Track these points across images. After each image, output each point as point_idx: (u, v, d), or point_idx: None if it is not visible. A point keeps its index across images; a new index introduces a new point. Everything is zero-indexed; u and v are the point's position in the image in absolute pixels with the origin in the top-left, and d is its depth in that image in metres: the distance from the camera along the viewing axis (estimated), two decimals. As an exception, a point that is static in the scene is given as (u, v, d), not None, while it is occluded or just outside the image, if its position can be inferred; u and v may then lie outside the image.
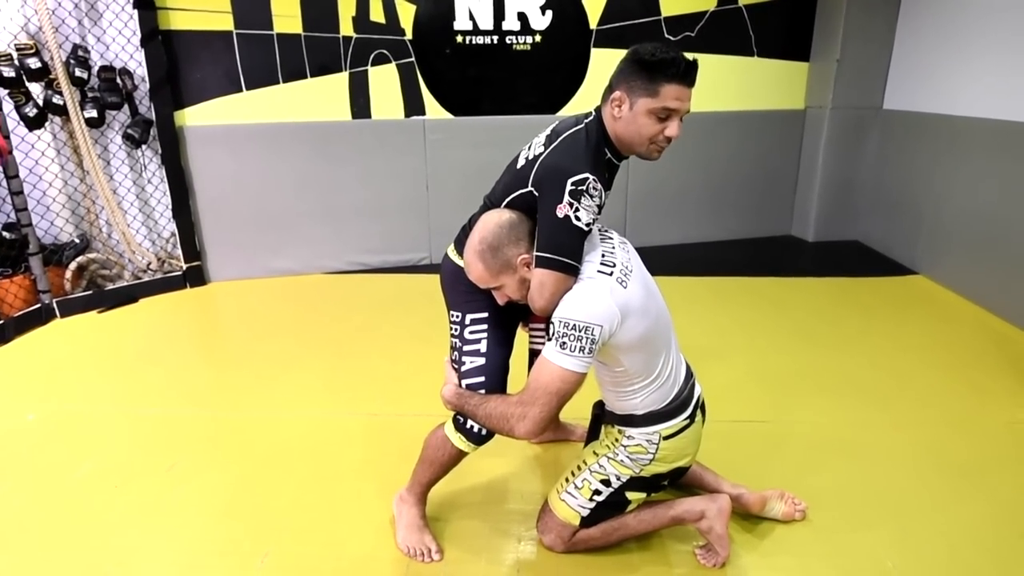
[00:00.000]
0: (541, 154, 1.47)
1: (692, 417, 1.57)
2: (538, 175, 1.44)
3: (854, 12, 3.97)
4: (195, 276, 3.79)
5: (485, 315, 1.61)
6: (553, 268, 1.38)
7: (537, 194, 1.43)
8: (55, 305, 3.37)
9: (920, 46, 3.80)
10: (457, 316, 1.66)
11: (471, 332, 1.61)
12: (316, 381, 2.66)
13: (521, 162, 1.54)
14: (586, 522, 1.59)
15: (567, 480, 1.62)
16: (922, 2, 3.77)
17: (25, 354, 3.06)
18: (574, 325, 1.34)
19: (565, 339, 1.35)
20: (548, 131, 1.56)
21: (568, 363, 1.36)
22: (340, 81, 3.78)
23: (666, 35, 4.05)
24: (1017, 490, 1.88)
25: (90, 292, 3.50)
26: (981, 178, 3.26)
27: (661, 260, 4.08)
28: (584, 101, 4.04)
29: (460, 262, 1.61)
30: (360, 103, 3.84)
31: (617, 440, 1.58)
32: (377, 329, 3.15)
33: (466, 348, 1.61)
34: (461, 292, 1.62)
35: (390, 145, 3.93)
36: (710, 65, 4.49)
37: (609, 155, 1.51)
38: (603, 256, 1.44)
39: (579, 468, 1.61)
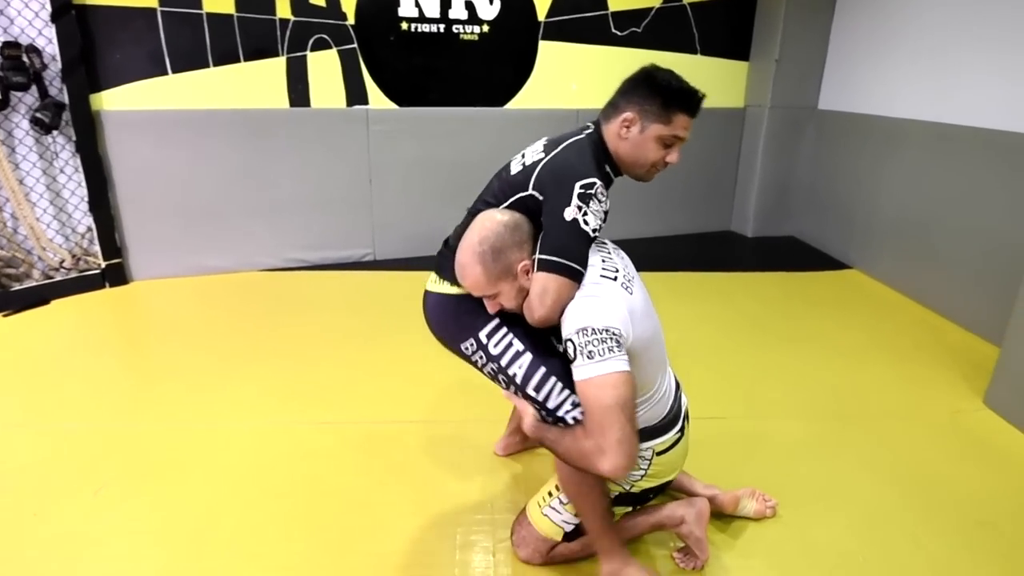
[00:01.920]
0: (542, 159, 1.39)
1: (682, 430, 1.53)
2: (542, 178, 1.36)
3: (793, 12, 4.08)
4: (115, 275, 3.49)
5: (496, 321, 1.46)
6: (558, 272, 1.28)
7: (541, 197, 1.35)
8: (-49, 308, 3.01)
9: (854, 48, 3.95)
10: (471, 345, 1.49)
11: (496, 344, 1.46)
12: (257, 389, 2.47)
13: (516, 169, 1.45)
14: (568, 537, 1.52)
15: (550, 495, 1.55)
16: (857, 5, 3.91)
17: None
18: (594, 330, 1.23)
19: (591, 347, 1.22)
20: (544, 141, 1.49)
21: (608, 367, 1.21)
22: (277, 66, 3.55)
23: (613, 30, 4.04)
24: (969, 478, 1.95)
25: (-8, 293, 3.15)
26: (912, 177, 3.41)
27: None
28: (531, 95, 3.97)
29: (449, 290, 1.49)
30: (298, 90, 3.63)
31: None
32: (321, 330, 2.97)
33: (504, 361, 1.45)
34: (462, 319, 1.48)
35: (331, 135, 3.73)
36: (655, 61, 4.52)
37: (608, 169, 1.45)
38: (603, 262, 1.37)
39: None
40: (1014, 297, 2.27)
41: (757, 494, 1.77)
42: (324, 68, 3.64)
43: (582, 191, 1.30)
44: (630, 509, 1.56)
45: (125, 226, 3.49)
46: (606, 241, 1.50)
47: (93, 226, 3.39)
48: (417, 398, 2.38)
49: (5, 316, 3.11)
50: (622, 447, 1.19)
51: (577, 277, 1.30)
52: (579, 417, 1.35)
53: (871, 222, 3.74)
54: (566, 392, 1.38)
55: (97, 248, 3.43)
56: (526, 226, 1.37)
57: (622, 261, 1.43)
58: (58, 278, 3.37)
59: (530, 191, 1.37)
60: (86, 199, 3.36)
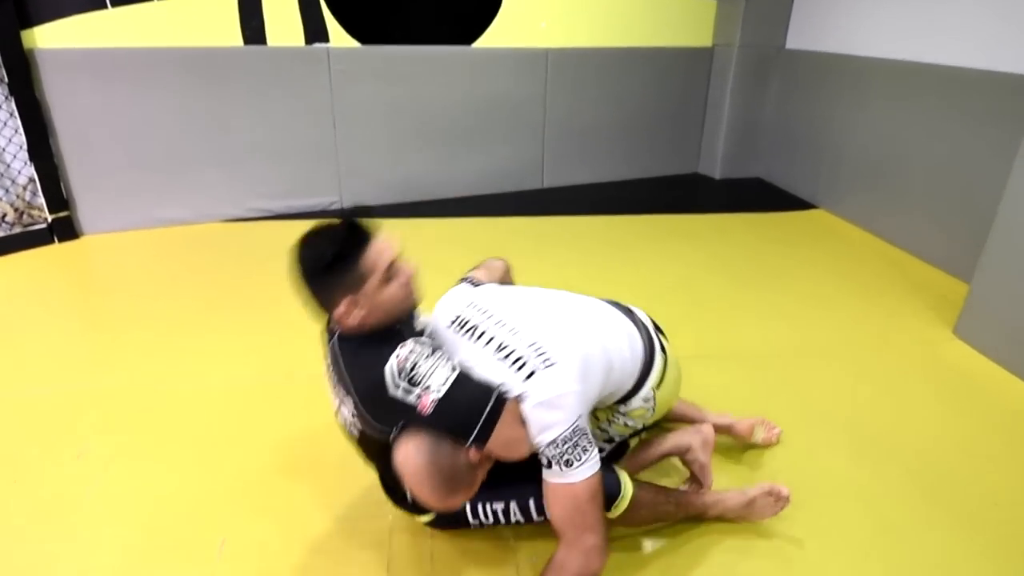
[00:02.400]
0: (355, 403, 1.25)
1: (663, 348, 1.53)
2: (372, 413, 1.22)
3: (762, -52, 4.01)
4: (64, 229, 3.26)
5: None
6: (483, 437, 1.17)
7: (392, 428, 1.18)
8: None
9: (823, -15, 3.92)
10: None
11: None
12: (224, 340, 2.38)
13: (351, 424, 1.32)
14: None
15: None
16: (826, -59, 3.87)
17: None
18: (564, 438, 1.18)
19: (565, 455, 1.18)
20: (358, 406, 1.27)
21: (581, 473, 1.19)
22: None
23: (582, -37, 3.89)
24: (945, 403, 2.05)
25: (-71, 252, 2.91)
26: (879, 116, 3.46)
27: (578, 200, 4.09)
28: (499, 33, 3.82)
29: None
30: (253, 26, 3.38)
31: (610, 416, 1.50)
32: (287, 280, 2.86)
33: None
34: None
35: (290, 76, 3.52)
36: (622, 0, 4.45)
37: (394, 334, 1.28)
38: (500, 351, 1.25)
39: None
40: (981, 233, 2.35)
41: (765, 422, 1.83)
42: (279, 1, 3.40)
43: (404, 383, 1.17)
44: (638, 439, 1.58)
45: (71, 176, 3.25)
46: (470, 320, 1.37)
47: (35, 176, 3.14)
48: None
49: (-55, 276, 2.89)
50: (603, 543, 1.23)
51: (500, 407, 1.18)
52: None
53: (839, 162, 3.80)
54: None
55: (41, 200, 3.19)
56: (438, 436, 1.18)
57: (503, 329, 1.29)
58: (1, 234, 3.13)
59: (385, 429, 1.20)
60: (25, 147, 3.10)
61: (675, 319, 2.59)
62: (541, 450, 1.20)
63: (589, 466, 1.20)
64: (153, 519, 1.57)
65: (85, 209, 3.32)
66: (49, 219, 3.22)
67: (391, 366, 1.17)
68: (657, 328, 1.59)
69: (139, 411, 1.98)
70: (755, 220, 3.82)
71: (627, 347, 1.43)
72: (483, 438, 1.16)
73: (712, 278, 2.99)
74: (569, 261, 3.14)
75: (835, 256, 3.26)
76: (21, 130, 3.06)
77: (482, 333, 1.30)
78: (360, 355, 1.25)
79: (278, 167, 3.64)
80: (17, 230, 3.18)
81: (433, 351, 1.24)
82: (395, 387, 1.16)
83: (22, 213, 3.23)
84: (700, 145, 4.72)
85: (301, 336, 2.37)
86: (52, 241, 3.24)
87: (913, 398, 2.09)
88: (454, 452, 1.15)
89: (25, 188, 3.21)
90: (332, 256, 1.20)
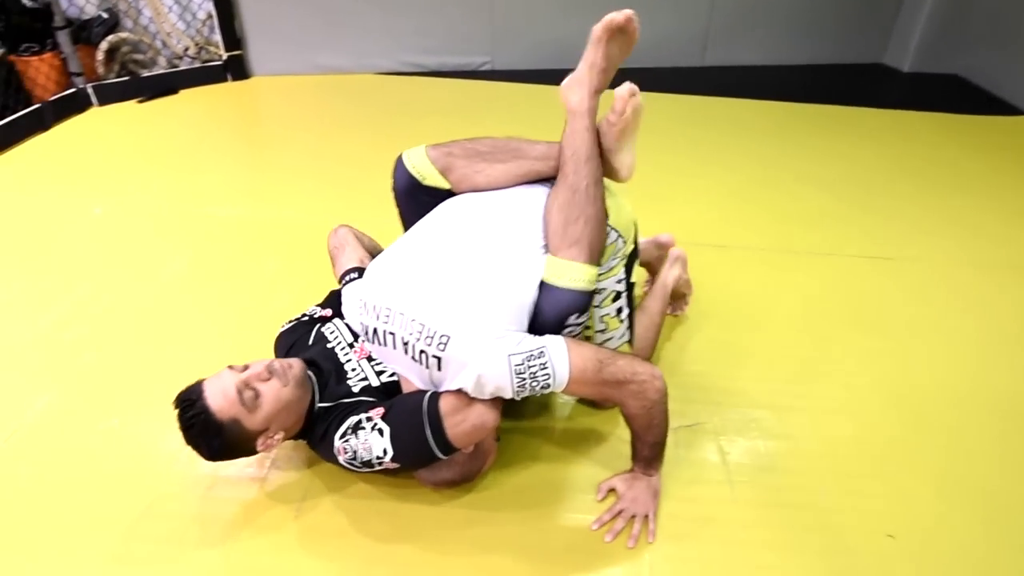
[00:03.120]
0: None
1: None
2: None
3: None
4: (236, 68, 3.43)
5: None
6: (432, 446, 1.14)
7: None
8: (90, 90, 3.06)
9: None
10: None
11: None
12: (366, 192, 2.46)
13: None
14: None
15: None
16: None
17: (68, 143, 2.83)
18: (519, 369, 1.09)
19: (537, 382, 1.11)
20: None
21: (561, 371, 1.11)
22: None
23: None
24: None
25: (126, 78, 3.17)
26: None
27: (742, 82, 3.75)
28: None
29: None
30: None
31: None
32: (428, 136, 2.88)
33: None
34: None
35: (454, -78, 3.36)
36: None
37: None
38: (407, 352, 1.17)
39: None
40: None
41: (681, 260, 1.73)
42: None
43: (362, 467, 1.19)
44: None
45: (244, 16, 3.36)
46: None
47: (213, 12, 3.28)
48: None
49: (140, 102, 3.15)
50: (642, 365, 1.18)
51: (437, 419, 1.12)
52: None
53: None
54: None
55: (218, 38, 3.35)
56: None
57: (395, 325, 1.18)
58: (183, 67, 3.35)
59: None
60: (205, -18, 3.22)
61: (843, 217, 2.42)
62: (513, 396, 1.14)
63: (561, 360, 1.11)
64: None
65: (255, 50, 3.46)
66: (224, 56, 3.38)
67: (342, 461, 1.19)
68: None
69: (306, 238, 2.13)
70: (948, 121, 3.35)
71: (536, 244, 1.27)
72: (447, 448, 1.14)
73: (890, 179, 2.70)
74: (726, 147, 2.94)
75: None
76: (203, -36, 3.17)
77: (385, 336, 1.19)
78: (321, 448, 1.24)
79: (434, 19, 3.56)
80: (197, 65, 3.38)
81: (355, 424, 1.17)
82: (360, 467, 1.18)
83: (201, 48, 3.41)
84: (891, 30, 4.12)
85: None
86: (226, 79, 3.43)
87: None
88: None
89: (204, 23, 3.37)
90: (211, 456, 1.17)
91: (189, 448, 1.16)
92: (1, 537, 1.22)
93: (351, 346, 1.31)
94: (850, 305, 1.91)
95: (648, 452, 1.26)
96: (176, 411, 1.14)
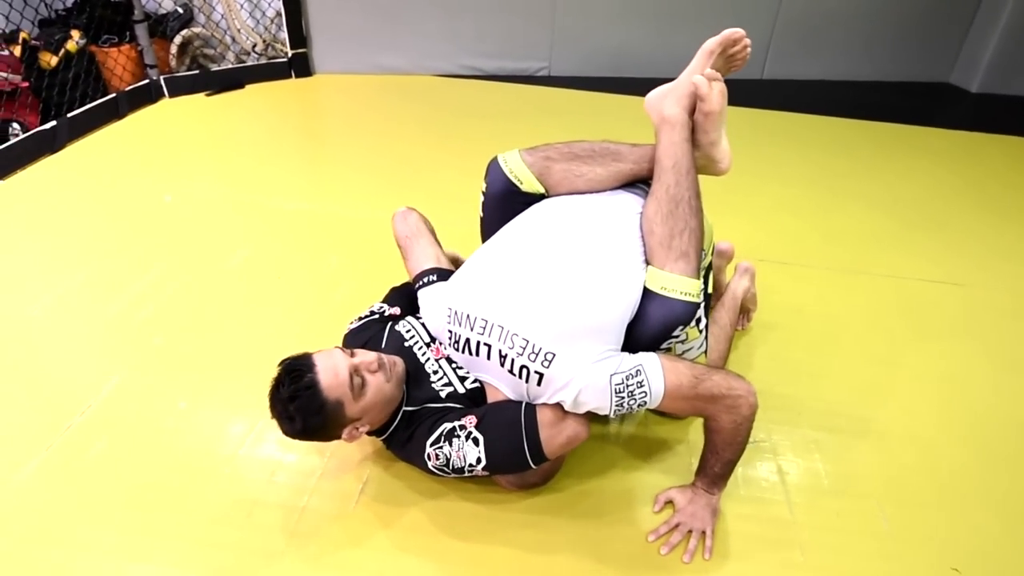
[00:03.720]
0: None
1: None
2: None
3: None
4: (300, 65, 3.52)
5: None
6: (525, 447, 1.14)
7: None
8: (163, 82, 3.18)
9: None
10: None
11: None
12: (421, 195, 2.47)
13: None
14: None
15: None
16: None
17: (140, 131, 2.95)
18: (618, 388, 1.10)
19: (633, 400, 1.11)
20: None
21: (656, 387, 1.12)
22: None
23: None
24: None
25: (196, 72, 3.28)
26: None
27: (800, 96, 3.68)
28: None
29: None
30: None
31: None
32: (493, 144, 2.90)
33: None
34: None
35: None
36: None
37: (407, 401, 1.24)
38: (503, 364, 1.17)
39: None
40: None
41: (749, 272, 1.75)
42: None
43: (452, 473, 1.19)
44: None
45: (311, 15, 3.45)
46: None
47: (282, 10, 3.37)
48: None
49: (208, 95, 3.26)
50: (737, 380, 1.15)
51: (534, 431, 1.13)
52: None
53: None
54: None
55: (284, 35, 3.44)
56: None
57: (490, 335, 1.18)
58: (249, 63, 3.45)
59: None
60: (276, -19, 3.32)
61: (905, 240, 2.36)
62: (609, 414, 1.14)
63: (657, 377, 1.11)
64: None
65: (319, 48, 3.55)
66: (290, 54, 3.48)
67: (432, 467, 1.19)
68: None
69: (366, 235, 2.17)
70: (1013, 145, 3.24)
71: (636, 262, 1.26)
72: (540, 459, 1.15)
73: (955, 203, 2.62)
74: (786, 161, 2.89)
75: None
76: (274, -36, 3.26)
77: (479, 347, 1.19)
78: (404, 451, 1.26)
79: (493, 24, 3.60)
80: (263, 62, 3.48)
81: (448, 431, 1.17)
82: (450, 474, 1.18)
83: (268, 45, 3.51)
84: (960, 48, 4.00)
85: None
86: (290, 75, 3.52)
87: None
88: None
89: (272, 22, 3.47)
90: (299, 432, 1.15)
91: (263, 426, 1.16)
92: (72, 508, 1.27)
93: (428, 345, 1.30)
94: (914, 329, 1.86)
95: (720, 469, 1.24)
96: (280, 378, 1.12)
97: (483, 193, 1.39)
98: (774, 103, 3.54)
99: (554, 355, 1.11)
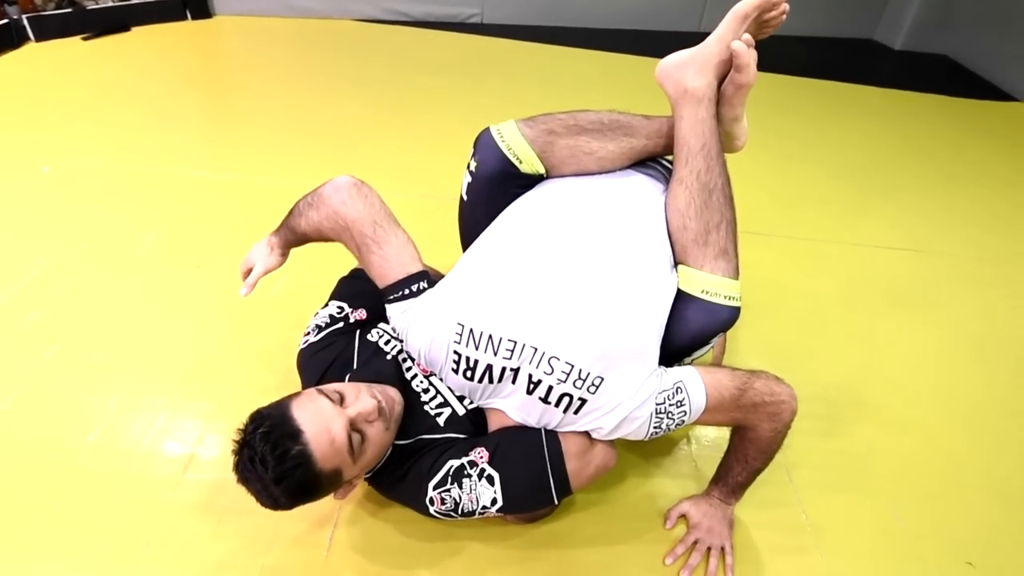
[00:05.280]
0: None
1: None
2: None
3: None
4: (197, 5, 3.05)
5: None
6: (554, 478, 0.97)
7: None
8: (26, 22, 2.64)
9: None
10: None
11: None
12: (326, 154, 2.22)
13: None
14: None
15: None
16: None
17: (1, 85, 2.44)
18: (658, 410, 0.96)
19: (673, 421, 0.97)
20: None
21: (697, 403, 0.99)
22: None
23: None
24: None
25: (68, 10, 2.76)
26: None
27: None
28: None
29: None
30: None
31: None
32: (420, 95, 2.63)
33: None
34: None
35: None
36: None
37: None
38: (534, 391, 0.97)
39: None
40: None
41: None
42: None
43: (462, 518, 0.98)
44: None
45: (206, -56, 2.97)
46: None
47: (171, -61, 2.88)
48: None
49: (84, 39, 2.76)
50: (779, 385, 1.02)
51: (560, 461, 0.97)
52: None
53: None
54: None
55: (175, -32, 2.95)
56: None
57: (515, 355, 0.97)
58: (135, 0, 2.94)
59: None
60: (161, -98, 2.81)
61: (865, 205, 2.33)
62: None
63: (698, 392, 0.98)
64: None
65: (218, -15, 3.08)
66: (183, -9, 3.00)
67: (434, 512, 0.97)
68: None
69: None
70: (946, 104, 3.32)
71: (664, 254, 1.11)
72: (565, 492, 0.99)
73: (905, 164, 2.63)
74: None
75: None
76: None
77: (502, 373, 0.98)
78: (395, 491, 1.04)
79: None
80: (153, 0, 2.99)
81: (455, 470, 0.97)
82: (457, 517, 0.98)
83: (156, -20, 3.01)
84: (885, 6, 4.05)
85: (425, 154, 2.22)
86: (185, 17, 3.05)
87: None
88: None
89: (159, -48, 2.96)
90: (284, 508, 0.89)
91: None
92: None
93: (411, 358, 1.07)
94: (887, 301, 1.83)
95: (744, 479, 1.13)
96: (258, 451, 0.84)
97: (470, 172, 1.16)
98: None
99: (602, 379, 0.95)
